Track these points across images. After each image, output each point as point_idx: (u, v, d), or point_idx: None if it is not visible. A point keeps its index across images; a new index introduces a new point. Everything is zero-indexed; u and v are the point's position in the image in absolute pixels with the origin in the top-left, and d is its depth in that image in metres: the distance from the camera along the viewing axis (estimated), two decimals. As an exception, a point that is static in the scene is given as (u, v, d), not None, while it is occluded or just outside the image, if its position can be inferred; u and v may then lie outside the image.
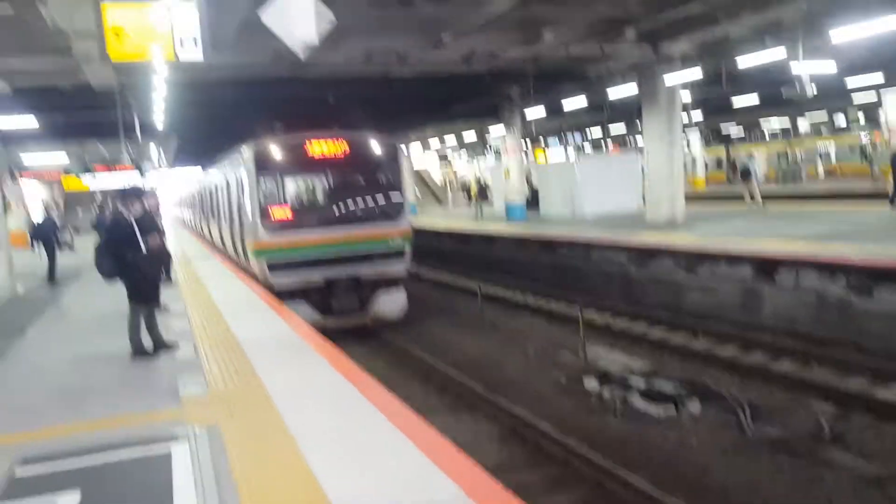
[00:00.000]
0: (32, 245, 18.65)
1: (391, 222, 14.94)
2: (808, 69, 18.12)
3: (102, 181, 27.11)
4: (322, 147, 14.65)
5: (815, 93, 19.09)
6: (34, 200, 31.55)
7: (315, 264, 14.04)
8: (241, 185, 14.97)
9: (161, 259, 8.49)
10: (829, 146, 46.39)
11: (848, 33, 15.32)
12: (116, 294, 8.63)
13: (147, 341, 8.16)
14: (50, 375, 7.68)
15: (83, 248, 19.86)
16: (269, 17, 5.62)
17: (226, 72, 17.93)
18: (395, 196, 15.32)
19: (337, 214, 14.72)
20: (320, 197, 15.20)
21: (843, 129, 49.02)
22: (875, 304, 11.42)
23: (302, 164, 14.76)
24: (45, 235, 16.92)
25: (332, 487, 4.14)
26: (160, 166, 37.26)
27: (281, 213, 14.30)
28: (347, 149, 14.82)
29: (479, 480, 4.13)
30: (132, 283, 8.04)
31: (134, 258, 7.86)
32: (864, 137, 43.03)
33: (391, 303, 15.00)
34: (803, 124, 51.29)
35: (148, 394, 6.63)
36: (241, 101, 23.09)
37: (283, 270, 13.90)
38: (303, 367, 7.08)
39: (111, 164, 27.07)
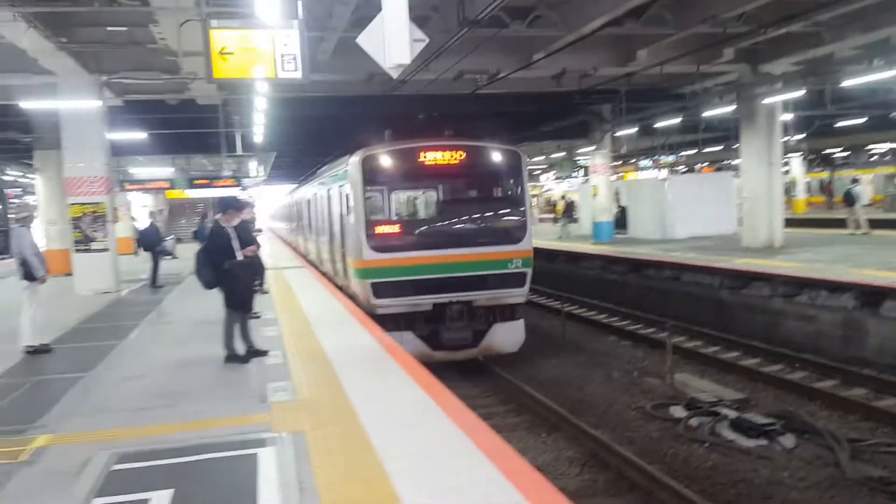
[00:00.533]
0: (137, 251, 19.61)
1: (512, 242, 12.96)
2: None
3: (204, 193, 28.39)
4: (437, 157, 12.92)
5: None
6: (140, 209, 33.31)
7: (424, 287, 12.31)
8: (346, 197, 13.50)
9: (255, 269, 8.89)
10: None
11: None
12: (214, 301, 9.00)
13: (241, 347, 8.48)
14: (149, 376, 8.07)
15: (184, 256, 20.78)
16: (364, 39, 5.80)
17: (322, 90, 18.53)
18: (516, 212, 13.41)
19: (452, 232, 13.16)
20: (434, 212, 13.94)
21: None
22: None
23: (415, 175, 13.29)
24: (150, 243, 17.80)
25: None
26: (258, 180, 38.72)
27: (389, 229, 12.91)
28: (465, 158, 13.04)
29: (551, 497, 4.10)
30: (228, 290, 8.40)
31: (230, 267, 8.21)
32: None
33: (507, 333, 13.05)
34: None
35: (239, 398, 6.87)
36: (334, 118, 23.78)
37: (389, 293, 12.25)
38: (387, 380, 7.18)
39: (213, 178, 28.31)
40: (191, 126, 22.89)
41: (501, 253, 12.74)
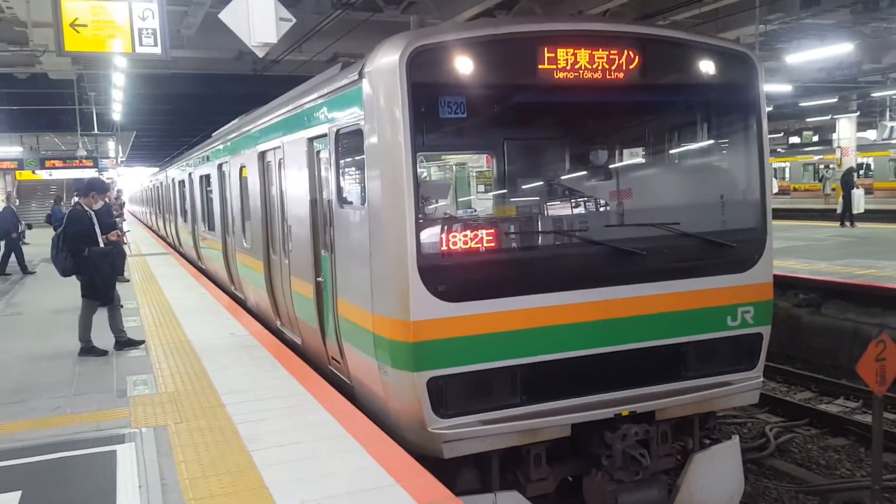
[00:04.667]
0: None
1: (731, 267, 6.01)
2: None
3: (58, 174, 26.53)
4: (586, 62, 5.43)
5: None
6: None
7: (554, 384, 5.44)
8: (340, 164, 6.19)
9: (116, 256, 8.34)
10: None
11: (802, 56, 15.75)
12: (71, 289, 8.45)
13: (106, 339, 7.99)
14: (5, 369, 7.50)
15: (36, 241, 19.34)
16: (228, 15, 5.59)
17: (187, 67, 17.71)
18: (741, 196, 6.35)
19: (612, 247, 5.70)
20: (563, 198, 6.82)
21: (795, 148, 50.36)
22: None
23: (533, 108, 6.20)
24: (4, 227, 16.42)
25: (283, 496, 4.11)
26: (119, 162, 36.52)
27: (474, 240, 5.28)
28: (642, 69, 5.64)
29: (430, 487, 4.15)
30: (88, 279, 7.87)
31: (90, 254, 7.71)
32: (818, 157, 44.16)
33: (718, 477, 6.11)
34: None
35: (96, 392, 6.49)
36: (200, 98, 22.77)
37: (470, 402, 5.24)
38: (256, 369, 7.00)
39: (67, 158, 26.48)
40: (42, 102, 21.27)
41: (714, 293, 5.92)
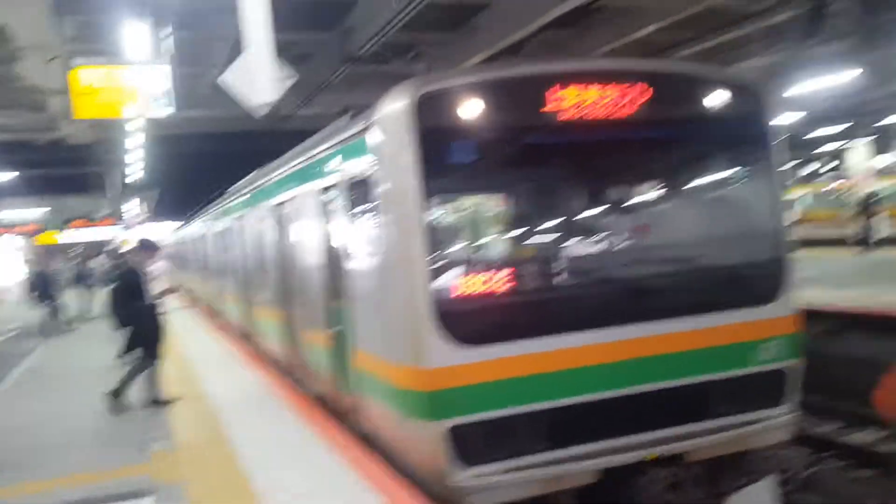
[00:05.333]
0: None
1: (752, 301, 5.93)
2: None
3: (81, 235, 27.06)
4: (593, 99, 5.54)
5: None
6: (10, 255, 31.28)
7: (579, 428, 5.35)
8: (354, 212, 6.19)
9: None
10: None
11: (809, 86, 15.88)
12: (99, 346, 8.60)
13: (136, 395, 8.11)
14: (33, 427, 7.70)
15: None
16: (229, 77, 5.76)
17: (202, 125, 18.17)
18: (758, 228, 6.25)
19: (631, 285, 5.76)
20: (578, 237, 6.33)
21: (810, 177, 50.19)
22: None
23: (544, 147, 5.94)
24: (44, 288, 16.66)
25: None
26: (141, 219, 37.08)
27: (489, 285, 5.30)
28: (651, 105, 5.68)
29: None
30: (144, 332, 8.01)
31: (142, 308, 7.93)
32: (832, 185, 43.97)
33: None
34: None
35: (118, 448, 6.61)
36: (219, 154, 23.29)
37: (494, 449, 5.13)
38: (271, 421, 7.04)
39: (90, 219, 27.05)
40: (62, 166, 21.84)
41: (736, 328, 5.81)
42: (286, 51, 12.82)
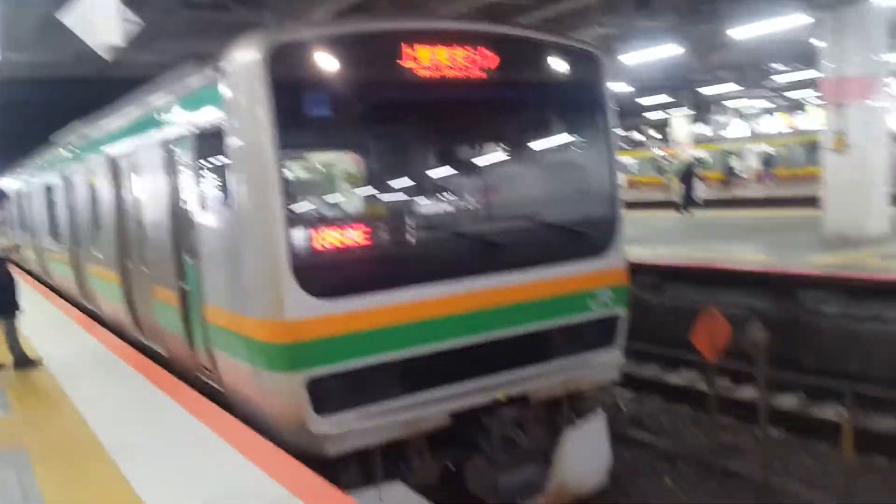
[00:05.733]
0: None
1: (588, 254, 6.42)
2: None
3: None
4: (448, 59, 5.64)
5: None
6: None
7: (432, 375, 5.59)
8: (198, 166, 6.06)
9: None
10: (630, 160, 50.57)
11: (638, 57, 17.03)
12: None
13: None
14: None
15: None
16: (69, 17, 5.35)
17: (24, 70, 16.60)
18: (594, 186, 6.75)
19: (479, 238, 6.00)
20: (432, 192, 6.66)
21: (639, 144, 53.88)
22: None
23: (397, 103, 5.99)
24: None
25: (150, 496, 4.10)
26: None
27: (346, 238, 5.44)
28: (501, 67, 5.88)
29: (307, 481, 4.24)
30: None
31: None
32: (658, 152, 47.45)
33: (589, 451, 6.53)
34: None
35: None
36: (47, 103, 21.32)
37: (350, 398, 5.29)
38: (119, 385, 6.75)
39: None
40: None
41: (575, 278, 6.27)
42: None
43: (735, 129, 49.93)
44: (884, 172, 14.43)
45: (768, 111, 48.86)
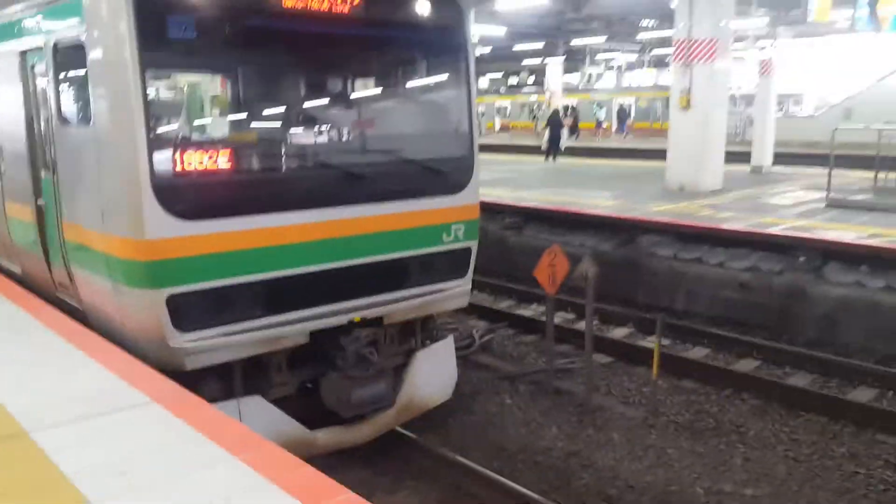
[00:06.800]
0: None
1: (445, 190, 6.88)
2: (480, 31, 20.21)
3: None
4: None
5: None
6: None
7: (291, 297, 5.93)
8: (63, 78, 5.94)
9: None
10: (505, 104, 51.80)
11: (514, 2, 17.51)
12: None
13: None
14: None
15: None
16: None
17: None
18: (455, 129, 7.19)
19: (338, 170, 6.32)
20: (300, 123, 6.95)
21: (515, 89, 55.05)
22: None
23: (261, 33, 6.11)
24: None
25: (16, 405, 4.27)
26: None
27: (208, 161, 5.48)
28: (366, 6, 6.23)
29: (165, 388, 4.54)
30: None
31: None
32: (533, 98, 48.80)
33: (436, 368, 7.28)
34: (482, 83, 56.51)
35: None
36: None
37: (210, 317, 5.52)
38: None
39: None
40: None
41: (432, 212, 6.77)
42: None
43: (605, 80, 52.02)
44: (722, 131, 15.88)
45: (637, 66, 51.19)
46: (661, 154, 19.25)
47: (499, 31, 21.44)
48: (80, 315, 6.13)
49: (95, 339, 5.44)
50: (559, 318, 10.26)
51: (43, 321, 5.90)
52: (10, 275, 7.62)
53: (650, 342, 9.36)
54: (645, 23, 32.73)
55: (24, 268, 7.36)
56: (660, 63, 47.87)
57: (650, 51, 45.04)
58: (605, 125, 44.45)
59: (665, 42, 37.57)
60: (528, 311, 11.51)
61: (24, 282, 7.26)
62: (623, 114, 43.72)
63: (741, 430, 7.32)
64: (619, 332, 10.25)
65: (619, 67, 51.55)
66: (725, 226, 11.57)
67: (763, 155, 20.70)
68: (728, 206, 13.66)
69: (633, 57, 48.28)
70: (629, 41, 39.52)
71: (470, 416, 7.78)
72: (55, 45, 5.81)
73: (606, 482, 6.41)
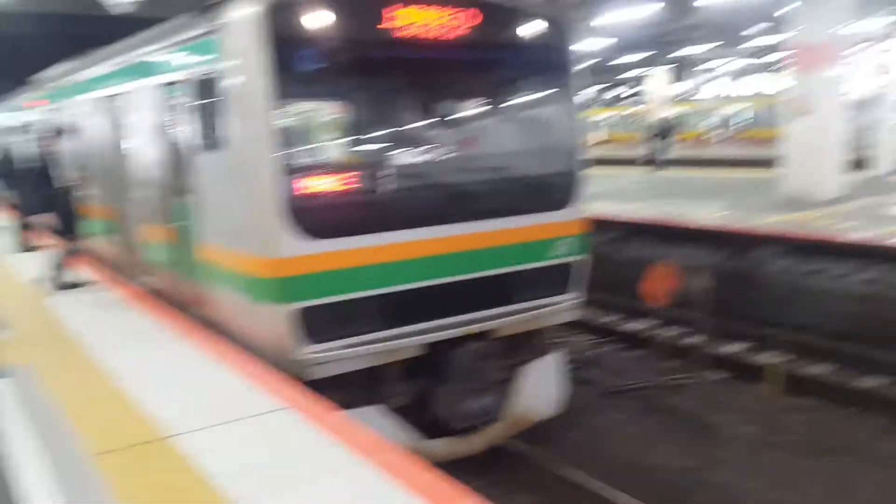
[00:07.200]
0: None
1: (552, 206, 7.05)
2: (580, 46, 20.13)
3: None
4: (425, 20, 6.26)
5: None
6: None
7: (409, 310, 6.23)
8: (206, 111, 6.31)
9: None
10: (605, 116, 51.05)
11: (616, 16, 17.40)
12: None
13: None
14: None
15: None
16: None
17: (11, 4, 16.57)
18: (560, 146, 7.35)
19: (452, 188, 6.58)
20: (412, 144, 7.07)
21: (614, 100, 54.22)
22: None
23: (380, 61, 6.48)
24: None
25: (161, 411, 4.66)
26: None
27: (335, 183, 6.06)
28: (472, 30, 6.52)
29: (297, 395, 4.84)
30: (63, 217, 8.05)
31: (57, 192, 8.02)
32: (634, 109, 47.90)
33: (545, 384, 7.35)
34: (582, 96, 55.88)
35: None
36: (23, 37, 21.12)
37: (335, 329, 5.90)
38: (113, 314, 7.26)
39: None
40: None
41: (539, 228, 6.91)
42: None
43: (711, 89, 50.49)
44: (839, 138, 15.14)
45: (743, 73, 49.44)
46: (769, 163, 18.56)
47: (599, 45, 21.30)
48: (214, 329, 6.58)
49: (230, 351, 5.84)
50: (668, 333, 10.11)
51: (181, 333, 6.39)
52: (149, 290, 8.27)
53: (766, 358, 9.07)
54: (751, 30, 31.72)
55: (162, 284, 7.97)
56: (767, 70, 46.08)
57: (757, 58, 43.45)
58: (710, 134, 43.12)
59: (772, 49, 36.20)
60: (635, 326, 11.37)
61: (163, 297, 7.85)
62: (729, 122, 42.30)
63: (868, 450, 7.00)
64: (732, 348, 9.97)
65: (724, 75, 49.95)
66: (844, 237, 11.06)
67: (883, 162, 19.57)
68: (848, 215, 13.03)
69: (738, 65, 46.71)
70: (734, 49, 38.30)
71: (579, 430, 7.81)
72: (194, 78, 6.40)
73: (724, 501, 6.29)
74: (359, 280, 5.87)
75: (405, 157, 6.98)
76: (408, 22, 6.07)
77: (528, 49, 6.94)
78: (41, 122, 12.40)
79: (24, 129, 12.26)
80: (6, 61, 23.37)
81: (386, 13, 5.97)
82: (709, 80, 50.88)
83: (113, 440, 4.21)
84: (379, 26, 5.98)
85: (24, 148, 11.48)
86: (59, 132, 8.61)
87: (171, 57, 6.92)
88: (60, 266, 8.28)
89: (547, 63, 7.20)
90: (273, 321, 5.72)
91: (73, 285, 8.30)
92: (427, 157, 7.03)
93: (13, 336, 6.57)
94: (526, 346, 7.18)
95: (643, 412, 8.09)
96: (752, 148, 35.69)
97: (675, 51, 35.95)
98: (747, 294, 11.18)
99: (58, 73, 12.41)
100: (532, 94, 7.62)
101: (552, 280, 7.02)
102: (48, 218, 8.09)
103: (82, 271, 8.65)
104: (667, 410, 8.02)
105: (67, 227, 8.20)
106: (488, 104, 7.79)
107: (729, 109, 43.02)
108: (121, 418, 4.56)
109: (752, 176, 21.23)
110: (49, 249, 8.27)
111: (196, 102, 6.39)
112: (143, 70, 7.57)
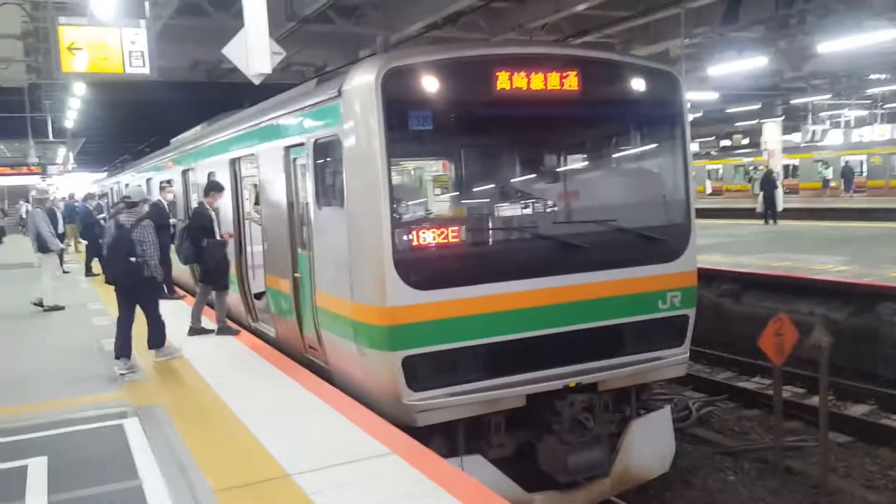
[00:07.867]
0: None
1: (661, 257, 6.94)
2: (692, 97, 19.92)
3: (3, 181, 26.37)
4: (535, 80, 6.34)
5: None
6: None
7: (511, 360, 6.27)
8: (320, 170, 6.91)
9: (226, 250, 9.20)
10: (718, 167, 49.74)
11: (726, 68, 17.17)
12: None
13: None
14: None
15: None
16: (229, 50, 6.34)
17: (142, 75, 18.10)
18: (669, 194, 7.34)
19: (560, 242, 6.58)
20: (516, 198, 7.43)
21: (727, 150, 52.79)
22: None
23: (491, 119, 6.85)
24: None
25: (278, 451, 4.93)
26: (67, 168, 36.01)
27: (441, 237, 6.14)
28: (584, 86, 6.54)
29: (401, 440, 5.00)
30: (211, 267, 8.84)
31: (209, 245, 8.74)
32: (746, 160, 46.45)
33: (652, 441, 7.15)
34: (693, 146, 54.74)
35: (89, 381, 7.16)
36: (156, 103, 23.09)
37: (439, 377, 6.04)
38: (236, 362, 7.75)
39: (15, 165, 26.40)
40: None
41: (647, 280, 6.83)
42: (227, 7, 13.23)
43: (830, 138, 48.32)
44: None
45: (866, 121, 47.07)
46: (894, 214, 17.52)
47: (712, 97, 20.98)
48: (325, 373, 6.90)
49: (341, 396, 6.12)
50: (787, 391, 9.63)
51: (296, 379, 6.73)
52: (264, 338, 8.74)
53: (894, 421, 8.49)
54: (874, 76, 30.29)
55: (278, 332, 8.42)
56: (893, 118, 43.70)
57: (881, 105, 41.32)
58: (832, 184, 41.11)
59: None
60: (750, 383, 10.90)
61: (278, 345, 8.28)
62: (849, 172, 40.20)
63: None
64: (857, 409, 9.38)
65: (847, 123, 47.69)
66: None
67: None
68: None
69: (860, 113, 44.51)
70: (856, 97, 36.63)
71: (690, 490, 7.53)
72: (315, 140, 6.83)
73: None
74: (462, 330, 6.00)
75: (512, 210, 7.18)
76: (514, 83, 6.22)
77: (639, 102, 6.99)
78: (180, 180, 13.44)
79: (162, 186, 13.34)
80: (147, 126, 25.62)
81: (491, 75, 6.17)
82: (831, 129, 48.72)
83: (235, 477, 4.50)
84: (484, 88, 6.21)
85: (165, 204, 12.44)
86: (218, 188, 9.18)
87: (294, 120, 7.44)
88: (198, 313, 9.01)
89: (658, 115, 7.25)
90: (382, 367, 5.95)
91: (204, 331, 8.95)
92: (533, 210, 7.19)
93: (145, 376, 7.13)
94: (632, 400, 7.08)
95: (760, 475, 7.71)
96: (879, 199, 33.79)
97: (792, 99, 34.75)
98: (872, 352, 10.55)
99: (193, 136, 13.52)
100: (643, 145, 7.66)
101: (659, 333, 6.91)
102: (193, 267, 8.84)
103: (209, 319, 9.27)
104: (786, 474, 7.61)
105: (217, 277, 8.89)
106: (598, 156, 7.86)
107: (852, 158, 41.01)
108: (242, 457, 4.86)
109: (877, 228, 20.11)
110: (179, 299, 8.92)
111: (318, 161, 6.82)
112: (272, 133, 8.14)
